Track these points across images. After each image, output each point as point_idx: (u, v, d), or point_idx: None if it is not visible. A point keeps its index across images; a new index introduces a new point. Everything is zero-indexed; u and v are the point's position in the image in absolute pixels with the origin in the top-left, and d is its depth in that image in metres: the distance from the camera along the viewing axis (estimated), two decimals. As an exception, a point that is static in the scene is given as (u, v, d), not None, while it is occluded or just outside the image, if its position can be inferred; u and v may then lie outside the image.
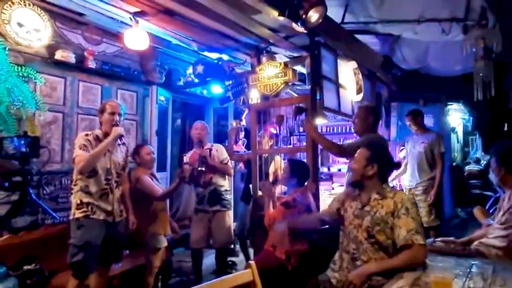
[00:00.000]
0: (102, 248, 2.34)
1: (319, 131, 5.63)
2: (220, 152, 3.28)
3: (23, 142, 1.35)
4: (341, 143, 2.79)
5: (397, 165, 2.01)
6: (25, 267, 2.37)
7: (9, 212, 1.19)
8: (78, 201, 2.29)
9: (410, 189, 3.82)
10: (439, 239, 2.18)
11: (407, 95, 5.37)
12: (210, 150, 3.27)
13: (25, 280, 2.29)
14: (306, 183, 2.68)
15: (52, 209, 2.80)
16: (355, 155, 1.89)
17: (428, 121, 5.59)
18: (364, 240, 1.73)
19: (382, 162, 1.82)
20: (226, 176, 3.32)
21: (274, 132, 3.52)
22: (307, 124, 2.80)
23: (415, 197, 3.36)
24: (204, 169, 3.09)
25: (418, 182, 3.74)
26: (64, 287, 2.29)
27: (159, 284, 3.11)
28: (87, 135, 2.36)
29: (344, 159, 4.15)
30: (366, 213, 1.77)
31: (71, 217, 2.32)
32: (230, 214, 3.28)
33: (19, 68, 2.49)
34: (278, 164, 3.53)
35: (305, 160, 3.10)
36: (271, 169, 3.47)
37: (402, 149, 4.38)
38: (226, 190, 3.27)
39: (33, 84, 2.87)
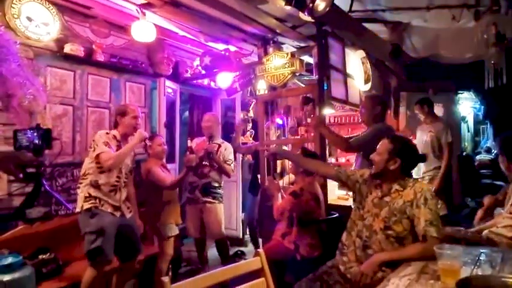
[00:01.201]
0: (118, 243, 2.39)
1: (327, 121, 5.61)
2: (228, 151, 3.32)
3: (36, 134, 1.38)
4: (348, 137, 2.73)
5: (423, 158, 1.93)
6: (40, 257, 2.45)
7: (24, 203, 1.23)
8: (87, 194, 2.33)
9: (417, 178, 3.79)
10: (447, 228, 2.17)
11: (417, 84, 5.30)
12: (220, 146, 3.30)
13: (41, 269, 2.36)
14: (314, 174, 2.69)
15: (65, 200, 2.87)
16: (378, 146, 1.82)
17: (438, 110, 5.52)
18: (379, 230, 1.70)
19: (406, 157, 1.76)
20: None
21: (281, 122, 3.52)
22: (315, 118, 2.79)
23: None
24: (207, 164, 3.15)
25: (425, 171, 3.75)
26: (78, 276, 2.36)
27: (170, 273, 3.17)
28: (107, 133, 2.45)
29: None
30: (385, 204, 1.73)
31: (77, 209, 2.36)
32: (221, 208, 3.32)
33: (29, 61, 2.52)
34: None
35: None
36: (279, 160, 3.48)
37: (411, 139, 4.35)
38: (219, 185, 3.32)
39: (44, 77, 2.91)
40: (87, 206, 2.32)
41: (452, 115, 5.89)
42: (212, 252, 3.51)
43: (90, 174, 2.36)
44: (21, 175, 1.11)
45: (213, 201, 3.25)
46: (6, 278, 1.91)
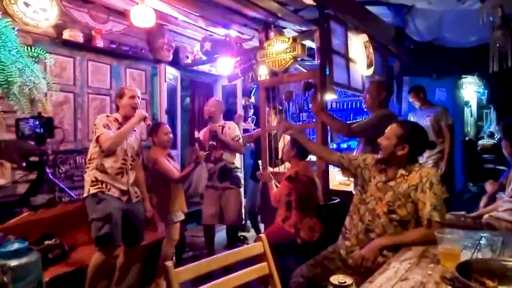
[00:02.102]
0: (123, 228, 2.40)
1: (329, 106, 5.58)
2: (232, 129, 3.30)
3: (37, 123, 1.38)
4: (350, 123, 2.71)
5: (432, 144, 1.91)
6: (46, 243, 2.49)
7: (28, 191, 1.24)
8: (93, 179, 2.34)
9: (422, 163, 3.83)
10: (447, 215, 2.18)
11: (420, 68, 5.23)
12: (223, 127, 3.29)
13: (47, 254, 2.39)
14: (308, 158, 2.71)
15: (68, 187, 2.89)
16: (386, 130, 1.79)
17: (441, 95, 5.48)
18: (382, 214, 1.69)
19: (415, 143, 1.73)
20: (238, 155, 3.35)
21: (281, 108, 3.50)
22: (315, 104, 2.77)
23: None
24: (215, 144, 3.12)
25: (428, 155, 3.77)
26: (83, 261, 2.40)
27: (174, 258, 3.22)
28: (108, 116, 2.46)
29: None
30: (389, 188, 1.72)
31: (85, 194, 2.37)
32: (240, 192, 3.32)
33: (28, 48, 2.50)
34: (287, 141, 3.54)
35: (314, 137, 3.09)
36: (281, 145, 3.48)
37: None
38: (236, 167, 3.31)
39: (43, 64, 2.89)
40: (93, 190, 2.33)
41: (455, 100, 5.84)
42: (216, 237, 3.55)
43: (96, 158, 2.36)
44: (24, 164, 1.11)
45: (232, 186, 3.24)
46: (14, 263, 1.93)
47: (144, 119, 2.51)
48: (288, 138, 3.57)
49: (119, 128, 2.42)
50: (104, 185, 2.35)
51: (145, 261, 2.98)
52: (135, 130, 2.57)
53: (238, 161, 3.37)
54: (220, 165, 3.22)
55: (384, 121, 2.40)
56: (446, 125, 3.76)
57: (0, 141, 1.00)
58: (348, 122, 2.84)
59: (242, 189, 3.36)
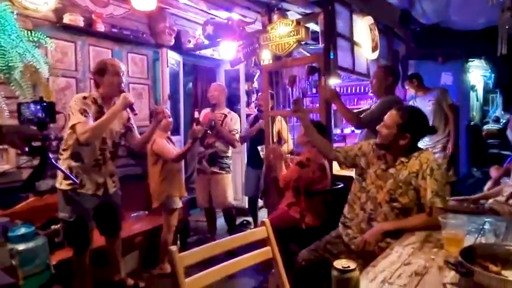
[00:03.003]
0: (99, 220, 2.30)
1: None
2: (233, 122, 3.30)
3: (39, 107, 1.37)
4: (358, 113, 2.67)
5: (433, 130, 1.88)
6: (52, 227, 2.52)
7: (31, 175, 1.24)
8: (67, 170, 2.07)
9: (427, 148, 3.84)
10: (452, 198, 2.18)
11: (426, 51, 5.14)
12: (225, 116, 3.28)
13: (53, 238, 2.43)
14: None
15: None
16: (386, 118, 1.74)
17: (447, 79, 5.40)
18: (384, 203, 1.68)
19: (416, 132, 1.69)
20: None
21: (272, 92, 3.47)
22: (329, 91, 2.72)
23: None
24: (210, 133, 3.15)
25: (436, 140, 3.80)
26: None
27: (178, 242, 3.27)
28: (85, 98, 2.09)
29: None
30: (390, 176, 1.69)
31: (57, 185, 2.15)
32: (229, 178, 3.35)
33: (28, 33, 2.46)
34: (280, 125, 3.54)
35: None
36: (275, 129, 3.46)
37: None
38: (227, 156, 3.33)
39: (44, 49, 2.87)
40: (65, 186, 2.10)
41: (461, 84, 5.76)
42: (219, 221, 3.60)
43: (71, 146, 2.09)
44: (26, 149, 1.10)
45: (220, 171, 3.28)
46: (21, 247, 1.97)
47: (131, 106, 2.13)
48: (280, 120, 3.56)
49: (98, 112, 2.10)
50: (78, 179, 2.08)
51: (148, 246, 3.03)
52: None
53: (230, 150, 3.38)
54: (211, 151, 3.25)
55: (390, 108, 2.38)
56: (448, 105, 3.79)
57: (2, 126, 0.99)
58: (356, 110, 2.80)
59: (230, 175, 3.38)
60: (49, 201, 2.61)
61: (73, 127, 2.01)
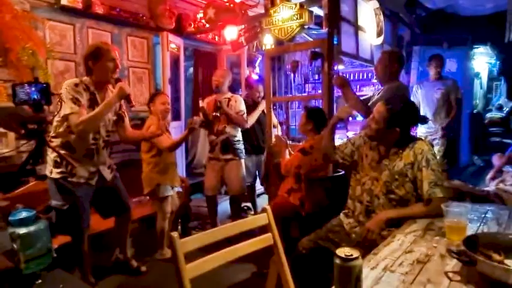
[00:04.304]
0: (101, 204, 2.28)
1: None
2: (238, 103, 3.25)
3: (34, 89, 1.34)
4: (366, 102, 2.62)
5: (424, 120, 1.84)
6: (53, 211, 2.53)
7: (27, 159, 1.23)
8: (57, 158, 2.00)
9: (427, 136, 3.86)
10: (455, 180, 2.16)
11: (431, 37, 5.05)
12: (229, 99, 3.24)
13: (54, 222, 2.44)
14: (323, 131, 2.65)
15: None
16: (374, 111, 1.72)
17: (451, 66, 5.33)
18: (381, 195, 1.68)
19: (405, 126, 1.68)
20: (239, 128, 3.32)
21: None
22: (339, 77, 2.67)
23: (433, 143, 3.63)
24: (218, 115, 3.09)
25: (437, 127, 3.86)
26: (91, 229, 2.44)
27: (179, 228, 3.28)
28: (76, 85, 1.97)
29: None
30: (384, 167, 1.69)
31: (47, 172, 2.07)
32: (242, 163, 3.34)
33: (26, 14, 2.41)
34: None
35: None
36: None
37: None
38: (238, 140, 3.30)
39: (42, 32, 2.81)
40: (56, 175, 2.02)
41: (465, 71, 5.68)
42: (220, 207, 3.60)
43: (61, 134, 1.99)
44: (23, 131, 1.08)
45: (234, 157, 3.23)
46: (22, 231, 1.97)
47: (127, 97, 2.02)
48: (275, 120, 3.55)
49: (90, 100, 2.00)
50: (68, 168, 2.01)
51: (149, 230, 3.04)
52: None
53: (240, 134, 3.35)
54: (222, 138, 3.21)
55: (397, 94, 2.34)
56: (455, 98, 3.83)
57: (-4, 108, 0.98)
58: (362, 98, 2.75)
59: (243, 161, 3.37)
60: (50, 185, 2.61)
61: (65, 117, 1.92)
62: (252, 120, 3.48)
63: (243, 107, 3.27)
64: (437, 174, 1.59)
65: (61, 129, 1.98)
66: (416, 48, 5.00)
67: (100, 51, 1.99)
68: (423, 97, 3.92)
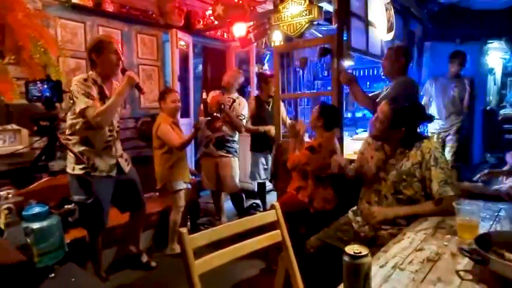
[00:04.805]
0: (121, 199, 2.32)
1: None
2: (241, 107, 3.27)
3: (46, 86, 1.36)
4: (374, 98, 2.59)
5: (430, 118, 1.85)
6: (66, 207, 2.57)
7: (39, 155, 1.26)
8: (79, 155, 2.06)
9: (440, 132, 3.83)
10: (465, 182, 2.14)
11: (443, 32, 4.95)
12: (234, 101, 3.24)
13: (67, 218, 2.48)
14: (333, 129, 2.63)
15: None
16: (378, 110, 1.70)
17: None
18: (389, 195, 1.67)
19: (411, 125, 1.66)
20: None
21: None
22: (346, 74, 2.65)
23: (445, 139, 3.73)
24: (218, 115, 3.11)
25: (452, 124, 3.85)
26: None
27: (188, 223, 3.31)
28: (85, 80, 2.00)
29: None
30: (391, 167, 1.67)
31: (68, 170, 2.12)
32: (235, 161, 3.35)
33: (38, 12, 2.44)
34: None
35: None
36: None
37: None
38: (233, 140, 3.32)
39: (54, 30, 2.85)
40: (78, 171, 2.06)
41: (479, 67, 5.56)
42: (229, 204, 3.63)
43: (78, 131, 2.03)
44: (35, 128, 1.11)
45: (227, 155, 3.28)
46: (36, 225, 2.01)
47: (137, 85, 2.06)
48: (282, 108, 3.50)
49: (99, 93, 2.03)
50: (89, 164, 2.07)
51: (159, 226, 3.08)
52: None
53: (236, 134, 3.36)
54: (218, 135, 3.23)
55: (406, 89, 2.31)
56: (470, 96, 3.82)
57: (9, 105, 1.00)
58: (371, 94, 2.73)
59: (237, 159, 3.38)
60: (62, 181, 2.64)
61: (82, 112, 1.94)
62: (246, 128, 3.46)
63: (245, 111, 3.29)
64: (447, 172, 1.57)
65: (77, 126, 2.01)
66: (428, 43, 4.91)
67: (102, 43, 2.01)
68: (437, 93, 3.87)
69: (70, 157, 2.09)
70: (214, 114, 3.10)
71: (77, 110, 1.94)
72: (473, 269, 1.03)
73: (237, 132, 3.36)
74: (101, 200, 2.14)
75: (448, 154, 3.80)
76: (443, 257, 1.13)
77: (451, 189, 1.54)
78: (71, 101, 1.99)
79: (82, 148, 2.04)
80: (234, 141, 3.35)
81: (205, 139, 3.33)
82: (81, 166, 2.06)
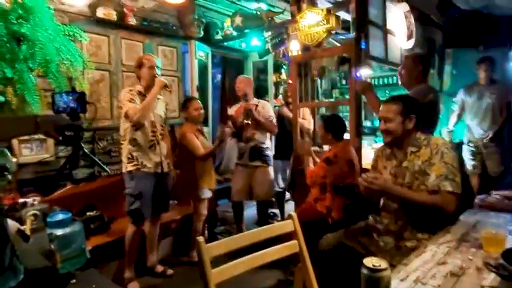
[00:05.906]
0: (153, 198, 2.52)
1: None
2: (266, 109, 3.26)
3: (71, 98, 1.44)
4: None
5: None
6: (88, 214, 2.65)
7: (64, 164, 1.33)
8: (129, 155, 2.45)
9: (482, 139, 3.75)
10: (490, 197, 2.05)
11: (465, 39, 4.83)
12: (256, 106, 3.25)
13: (89, 225, 2.56)
14: (344, 137, 2.60)
15: (106, 162, 3.02)
16: (384, 114, 1.71)
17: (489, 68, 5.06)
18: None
19: (419, 111, 1.70)
20: (268, 135, 3.31)
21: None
22: (363, 82, 2.63)
23: (488, 146, 3.63)
24: (249, 122, 3.10)
25: (493, 131, 3.71)
26: (122, 232, 2.54)
27: (206, 232, 3.33)
28: (131, 90, 2.49)
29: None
30: (405, 170, 1.67)
31: (123, 169, 2.50)
32: (270, 170, 3.33)
33: (65, 27, 2.56)
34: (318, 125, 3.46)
35: (347, 114, 2.98)
36: (300, 121, 3.38)
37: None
38: (267, 147, 3.29)
39: (80, 43, 2.97)
40: (130, 167, 2.45)
41: (505, 73, 5.39)
42: (246, 213, 3.61)
43: (128, 133, 2.45)
44: (60, 138, 1.16)
45: (263, 164, 3.23)
46: (59, 232, 2.07)
47: (165, 86, 2.52)
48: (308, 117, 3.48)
49: (142, 101, 2.46)
50: (139, 161, 2.45)
51: (178, 234, 3.11)
52: (159, 98, 2.61)
53: (269, 141, 3.34)
54: (251, 145, 3.21)
55: (425, 97, 2.26)
56: (506, 102, 3.67)
57: (37, 116, 1.05)
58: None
59: (272, 168, 3.36)
60: (85, 189, 2.74)
61: (126, 114, 2.39)
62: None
63: (271, 112, 3.27)
64: (450, 168, 1.55)
65: (127, 130, 2.45)
66: (449, 51, 4.80)
67: (141, 60, 2.55)
68: (473, 103, 3.74)
69: (123, 158, 2.49)
70: (245, 122, 3.10)
71: (123, 114, 2.42)
72: (500, 285, 0.98)
73: (269, 140, 3.34)
74: (144, 195, 2.46)
75: (487, 162, 3.68)
76: (468, 271, 1.09)
77: (450, 185, 1.51)
78: (120, 110, 2.48)
79: (131, 148, 2.45)
80: (268, 148, 3.31)
81: (238, 151, 3.33)
82: (132, 163, 2.45)
